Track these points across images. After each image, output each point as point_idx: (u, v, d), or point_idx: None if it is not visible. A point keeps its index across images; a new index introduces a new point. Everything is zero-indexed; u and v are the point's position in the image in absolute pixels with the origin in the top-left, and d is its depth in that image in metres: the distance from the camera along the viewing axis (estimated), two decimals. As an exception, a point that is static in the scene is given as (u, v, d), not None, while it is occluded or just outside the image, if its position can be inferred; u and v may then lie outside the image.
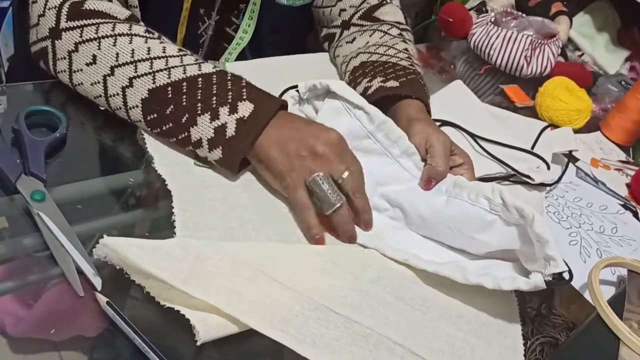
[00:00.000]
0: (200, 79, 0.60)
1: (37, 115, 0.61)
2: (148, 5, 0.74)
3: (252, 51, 0.89)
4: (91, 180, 0.59)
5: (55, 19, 0.62)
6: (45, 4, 0.63)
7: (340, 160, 0.60)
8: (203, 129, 0.59)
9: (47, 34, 0.62)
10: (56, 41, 0.62)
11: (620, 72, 1.28)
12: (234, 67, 0.80)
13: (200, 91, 0.60)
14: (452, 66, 1.11)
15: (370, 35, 0.86)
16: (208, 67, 0.62)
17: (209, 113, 0.59)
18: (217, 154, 0.60)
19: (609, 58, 1.30)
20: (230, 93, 0.60)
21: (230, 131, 0.59)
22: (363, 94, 0.75)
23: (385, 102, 0.73)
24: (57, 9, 0.62)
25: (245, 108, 0.59)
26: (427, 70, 1.04)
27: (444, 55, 1.14)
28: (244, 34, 0.85)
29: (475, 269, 0.59)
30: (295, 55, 0.89)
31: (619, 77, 1.22)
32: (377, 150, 0.66)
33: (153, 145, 0.63)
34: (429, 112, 0.75)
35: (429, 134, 0.67)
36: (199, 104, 0.59)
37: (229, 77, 0.61)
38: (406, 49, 0.83)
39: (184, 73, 0.60)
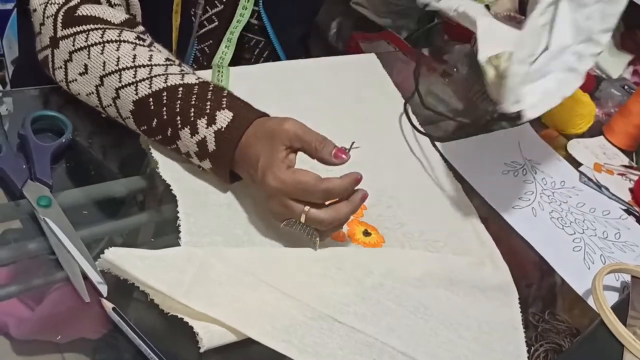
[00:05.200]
0: (180, 89, 0.58)
1: (42, 120, 0.62)
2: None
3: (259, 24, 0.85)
4: (97, 185, 0.60)
5: (52, 27, 0.62)
6: (44, 13, 0.62)
7: (293, 206, 0.55)
8: (187, 143, 0.58)
9: (48, 43, 0.62)
10: (55, 50, 0.62)
11: (623, 76, 1.28)
12: (236, 72, 0.79)
13: (179, 102, 0.58)
14: (455, 69, 1.11)
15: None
16: (191, 78, 0.60)
17: (188, 127, 0.58)
18: (208, 164, 0.59)
19: (612, 62, 1.30)
20: (209, 103, 0.58)
21: (211, 145, 0.57)
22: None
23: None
24: (54, 17, 0.62)
25: (224, 118, 0.57)
26: (431, 73, 1.04)
27: (447, 59, 1.14)
28: (243, 10, 0.81)
29: None
30: (300, 60, 0.89)
31: (622, 81, 1.21)
32: None
33: (157, 150, 0.63)
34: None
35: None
36: (178, 117, 0.58)
37: (210, 87, 0.59)
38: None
39: (165, 82, 0.59)
